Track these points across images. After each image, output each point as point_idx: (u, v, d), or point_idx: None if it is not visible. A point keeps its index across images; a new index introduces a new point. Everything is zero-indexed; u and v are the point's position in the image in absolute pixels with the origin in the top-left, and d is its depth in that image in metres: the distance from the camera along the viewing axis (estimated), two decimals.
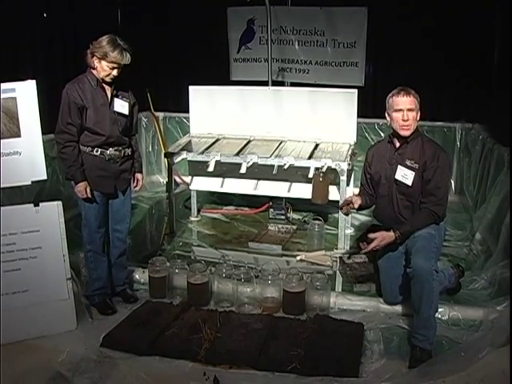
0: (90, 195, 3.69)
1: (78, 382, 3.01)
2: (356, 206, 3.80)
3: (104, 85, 3.69)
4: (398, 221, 3.61)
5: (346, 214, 4.11)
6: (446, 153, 3.66)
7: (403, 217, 3.61)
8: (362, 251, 3.77)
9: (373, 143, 4.18)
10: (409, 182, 3.54)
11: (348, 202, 3.79)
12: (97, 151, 3.68)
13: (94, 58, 3.58)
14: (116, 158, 3.76)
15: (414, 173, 3.52)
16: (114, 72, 3.61)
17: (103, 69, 3.59)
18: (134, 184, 4.01)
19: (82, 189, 3.64)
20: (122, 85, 3.77)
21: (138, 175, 4.01)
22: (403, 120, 3.47)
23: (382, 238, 3.51)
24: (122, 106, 3.77)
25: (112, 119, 3.71)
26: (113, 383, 3.01)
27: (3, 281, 3.36)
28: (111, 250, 3.98)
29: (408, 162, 3.55)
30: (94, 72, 3.64)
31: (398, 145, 3.62)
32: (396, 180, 3.59)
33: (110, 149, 3.72)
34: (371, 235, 3.56)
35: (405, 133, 3.53)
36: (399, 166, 3.57)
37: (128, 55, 3.60)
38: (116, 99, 3.75)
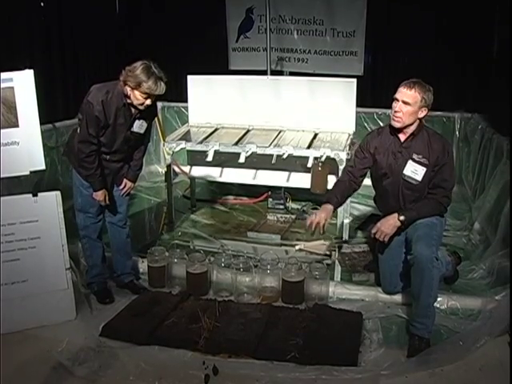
0: (108, 202, 3.73)
1: (78, 372, 3.02)
2: (326, 226, 3.63)
3: (131, 107, 3.60)
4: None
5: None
6: (449, 143, 3.64)
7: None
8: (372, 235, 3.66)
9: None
10: (419, 178, 3.49)
11: (317, 223, 3.59)
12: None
13: (127, 86, 3.47)
14: (116, 158, 3.76)
15: (424, 168, 3.46)
16: (148, 101, 3.52)
17: (136, 98, 3.48)
18: (122, 186, 3.90)
19: (101, 197, 3.68)
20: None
21: (128, 182, 3.90)
22: (395, 111, 3.43)
23: (385, 220, 3.52)
24: (140, 126, 3.72)
25: (126, 138, 3.68)
26: (112, 372, 3.02)
27: (2, 271, 3.36)
28: (111, 239, 4.00)
29: (415, 157, 3.48)
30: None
31: (402, 138, 3.55)
32: (404, 175, 3.53)
33: (112, 154, 3.73)
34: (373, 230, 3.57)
35: (394, 123, 3.46)
36: (409, 162, 3.50)
37: (163, 84, 3.48)
38: (137, 120, 3.69)
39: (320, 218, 3.57)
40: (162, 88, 3.49)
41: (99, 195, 3.67)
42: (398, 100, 3.41)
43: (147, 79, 3.40)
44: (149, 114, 3.75)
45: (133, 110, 3.62)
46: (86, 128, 3.51)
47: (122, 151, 3.75)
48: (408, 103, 3.38)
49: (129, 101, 3.55)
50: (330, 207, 3.65)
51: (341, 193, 3.74)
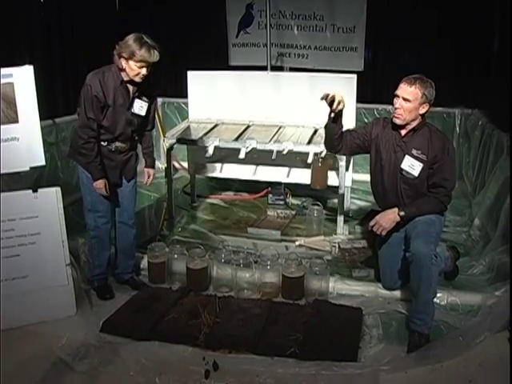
0: (108, 192, 3.70)
1: (78, 367, 3.02)
2: (342, 104, 3.47)
3: (128, 84, 3.61)
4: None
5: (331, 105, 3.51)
6: (451, 142, 3.63)
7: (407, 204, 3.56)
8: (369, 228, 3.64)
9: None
10: (415, 173, 3.48)
11: (331, 96, 3.44)
12: (104, 142, 3.67)
13: (121, 58, 3.48)
14: (122, 149, 3.75)
15: (421, 164, 3.46)
16: (143, 71, 3.50)
17: (132, 69, 3.48)
18: (146, 178, 4.03)
19: (101, 186, 3.64)
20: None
21: (150, 171, 4.03)
22: (395, 107, 3.43)
23: (384, 213, 3.51)
24: (140, 107, 3.71)
25: (128, 120, 3.67)
26: (113, 368, 3.03)
27: (2, 267, 3.37)
28: (118, 238, 4.00)
29: (414, 152, 3.48)
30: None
31: (403, 133, 3.55)
32: (401, 169, 3.53)
33: (117, 142, 3.71)
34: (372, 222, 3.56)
35: (395, 120, 3.47)
36: (406, 156, 3.50)
37: (156, 52, 3.48)
38: (136, 100, 3.68)
39: (336, 92, 3.44)
40: (155, 55, 3.50)
41: (99, 184, 3.64)
42: (398, 96, 3.41)
43: (140, 47, 3.42)
44: (147, 92, 3.74)
45: (130, 88, 3.63)
46: (84, 112, 3.51)
47: (126, 136, 3.72)
48: (408, 100, 3.38)
49: (125, 77, 3.56)
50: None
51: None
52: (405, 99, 3.38)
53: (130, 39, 3.45)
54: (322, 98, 3.47)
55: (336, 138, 3.71)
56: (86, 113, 3.51)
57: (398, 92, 3.42)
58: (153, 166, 4.06)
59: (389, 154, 3.59)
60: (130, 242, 4.01)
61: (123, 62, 3.49)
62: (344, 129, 3.76)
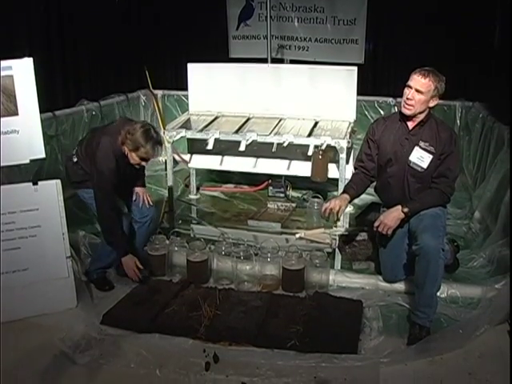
0: (142, 267, 3.78)
1: (79, 359, 3.04)
2: (341, 213, 3.62)
3: None
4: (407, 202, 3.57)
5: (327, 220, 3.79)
6: (457, 134, 3.62)
7: (412, 198, 3.54)
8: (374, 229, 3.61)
9: (372, 121, 4.08)
10: (424, 165, 3.46)
11: (330, 209, 3.57)
12: None
13: (125, 145, 3.56)
14: None
15: (431, 156, 3.44)
16: (143, 163, 3.63)
17: (133, 158, 3.59)
18: (140, 199, 4.02)
19: (131, 264, 3.74)
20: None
21: (138, 189, 4.04)
22: (407, 98, 3.40)
23: (388, 212, 3.49)
24: (137, 168, 3.80)
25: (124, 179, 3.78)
26: (113, 360, 3.04)
27: (3, 260, 3.37)
28: (137, 238, 4.06)
29: (422, 144, 3.46)
30: None
31: (411, 126, 3.53)
32: (409, 162, 3.51)
33: None
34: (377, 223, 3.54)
35: (405, 110, 3.44)
36: (416, 148, 3.48)
37: (160, 149, 3.60)
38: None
39: (335, 204, 3.55)
40: (159, 152, 3.64)
41: (128, 261, 3.74)
42: (410, 87, 3.38)
43: (145, 143, 3.50)
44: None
45: None
46: (104, 186, 3.57)
47: None
48: (421, 91, 3.35)
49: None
50: (345, 196, 3.65)
51: (358, 184, 3.73)
52: (418, 91, 3.35)
53: (138, 132, 3.50)
54: (323, 217, 3.71)
55: (369, 184, 3.81)
56: (107, 187, 3.58)
57: (411, 83, 3.38)
58: (141, 185, 4.09)
59: (395, 147, 3.55)
60: (142, 237, 4.07)
61: (126, 149, 3.57)
62: (351, 160, 3.78)
